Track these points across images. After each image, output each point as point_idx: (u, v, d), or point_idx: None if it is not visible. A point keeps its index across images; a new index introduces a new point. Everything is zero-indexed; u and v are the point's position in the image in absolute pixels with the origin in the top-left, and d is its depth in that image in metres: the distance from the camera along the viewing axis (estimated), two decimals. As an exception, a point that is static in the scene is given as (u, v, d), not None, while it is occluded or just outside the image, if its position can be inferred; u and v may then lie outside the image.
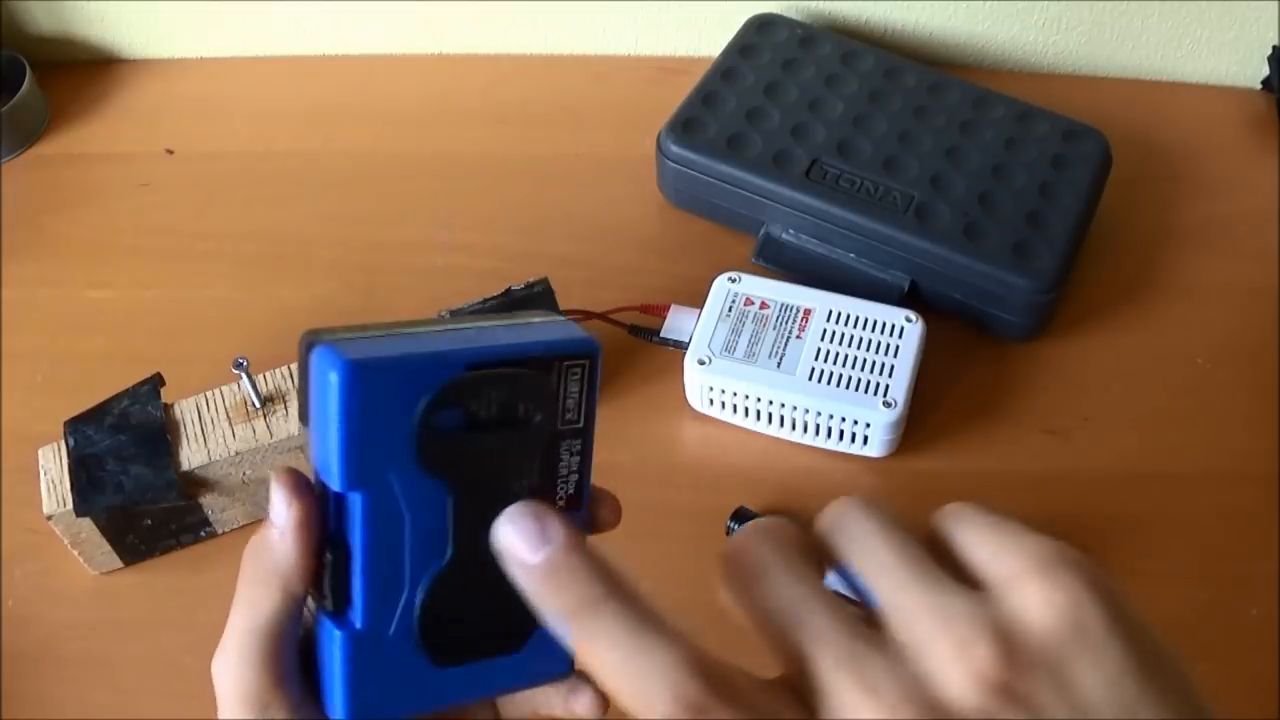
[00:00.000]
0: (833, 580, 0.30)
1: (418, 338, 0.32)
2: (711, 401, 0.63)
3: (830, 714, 0.26)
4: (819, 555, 0.29)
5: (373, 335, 0.32)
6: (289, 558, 0.32)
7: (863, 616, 0.28)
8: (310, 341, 0.31)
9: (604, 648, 0.27)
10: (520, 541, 0.29)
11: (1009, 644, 0.26)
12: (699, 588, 0.58)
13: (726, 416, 0.63)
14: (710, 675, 0.26)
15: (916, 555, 0.28)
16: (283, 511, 0.32)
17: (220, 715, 0.34)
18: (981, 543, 0.28)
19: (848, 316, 0.63)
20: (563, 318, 0.36)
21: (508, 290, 0.61)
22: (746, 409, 0.62)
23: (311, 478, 0.33)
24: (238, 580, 0.34)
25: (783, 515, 0.58)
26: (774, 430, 0.62)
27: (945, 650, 0.26)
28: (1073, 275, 0.66)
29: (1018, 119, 0.71)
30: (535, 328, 0.35)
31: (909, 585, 0.27)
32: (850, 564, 0.28)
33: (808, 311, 0.63)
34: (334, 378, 0.30)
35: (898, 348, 0.61)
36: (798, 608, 0.27)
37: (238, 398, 0.58)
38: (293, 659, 0.34)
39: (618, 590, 0.28)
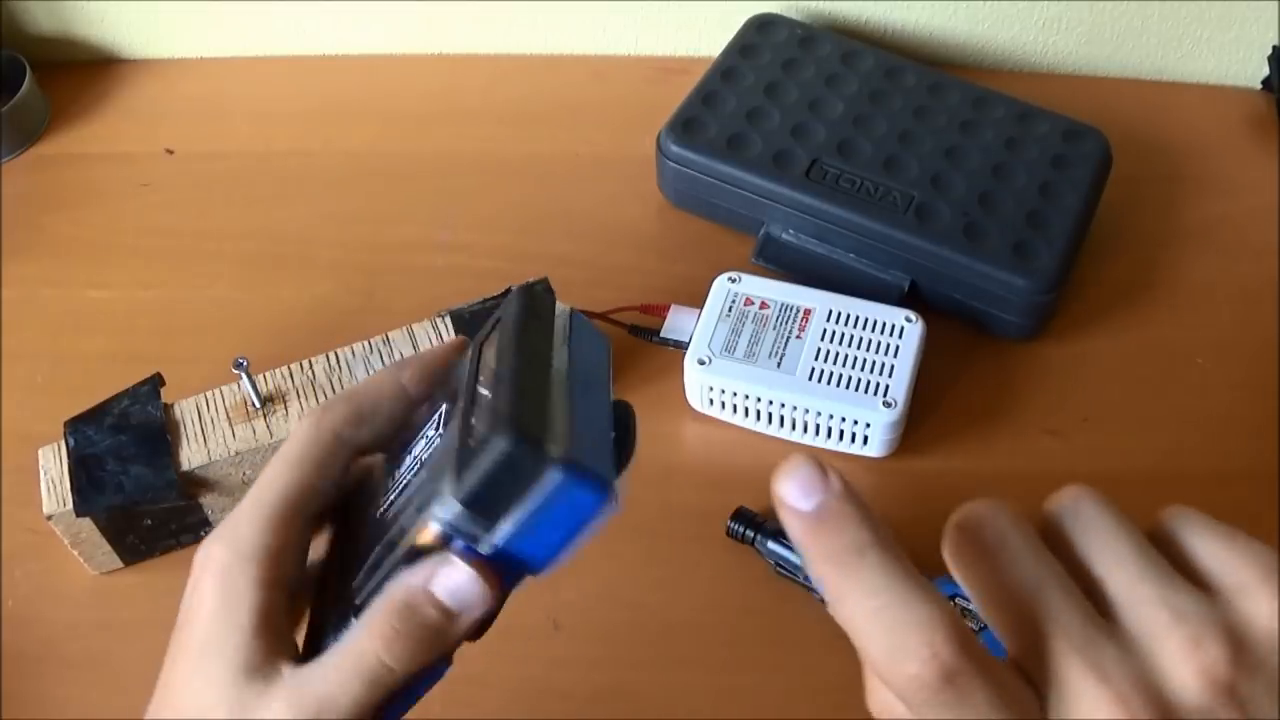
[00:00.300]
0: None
1: (577, 408, 0.33)
2: (711, 401, 0.63)
3: (1060, 697, 0.27)
4: (1047, 538, 0.30)
5: (555, 418, 0.32)
6: (459, 637, 0.34)
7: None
8: (529, 446, 0.30)
9: (863, 594, 0.27)
10: (796, 489, 0.29)
11: (1238, 647, 0.26)
12: (698, 587, 0.58)
13: (726, 416, 0.63)
14: (967, 641, 0.26)
15: (1151, 551, 0.29)
16: (476, 601, 0.33)
17: None
18: (1212, 548, 0.29)
19: (848, 316, 0.63)
20: (565, 309, 0.36)
21: (508, 290, 0.61)
22: (746, 409, 0.62)
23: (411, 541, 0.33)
24: (374, 631, 0.33)
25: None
26: (774, 430, 0.62)
27: (1177, 645, 0.26)
28: (1073, 275, 0.66)
29: (1018, 119, 0.71)
30: (588, 344, 0.36)
31: (1145, 579, 0.28)
32: (1085, 551, 0.29)
33: (808, 311, 0.63)
34: (592, 507, 0.31)
35: (898, 348, 0.61)
36: (1037, 586, 0.28)
37: (238, 398, 0.58)
38: None
39: (884, 540, 0.28)
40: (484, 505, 0.31)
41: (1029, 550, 0.29)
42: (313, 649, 0.36)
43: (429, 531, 0.32)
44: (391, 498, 0.35)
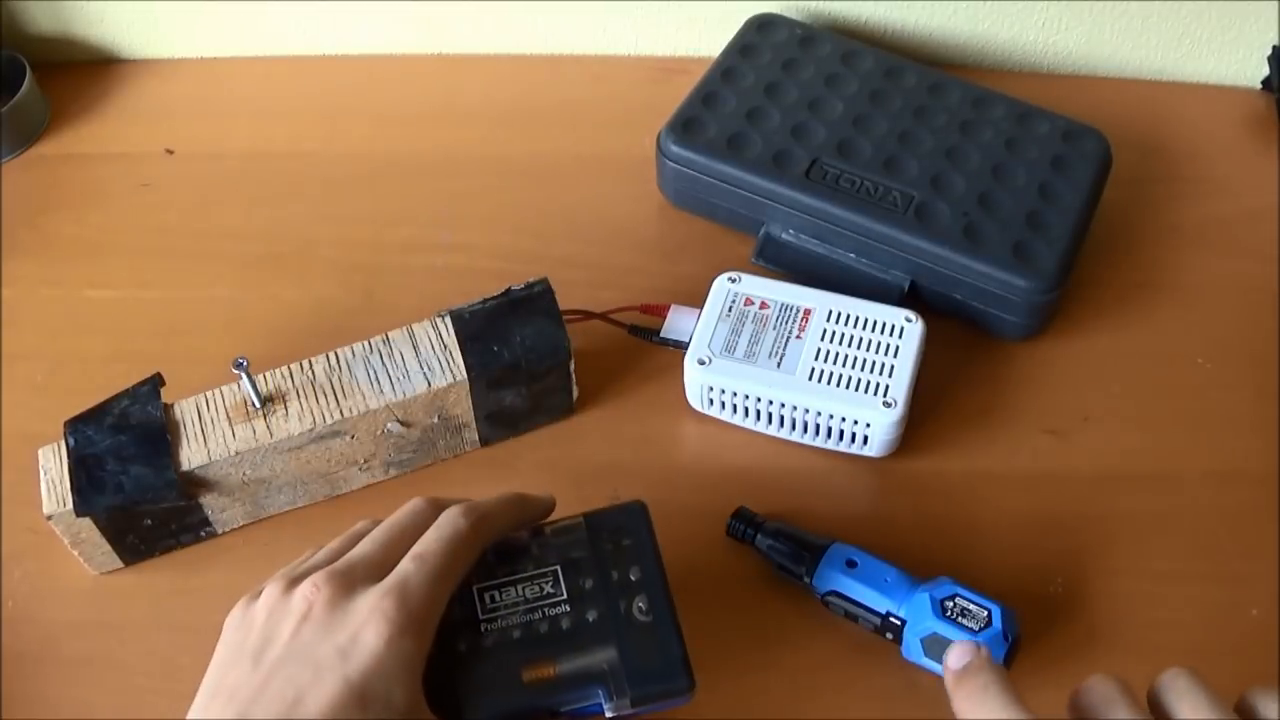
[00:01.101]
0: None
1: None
2: (711, 401, 0.63)
3: None
4: (1151, 704, 0.40)
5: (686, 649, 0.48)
6: None
7: None
8: (689, 685, 0.47)
9: (981, 714, 0.40)
10: (955, 657, 0.42)
11: None
12: (699, 587, 0.58)
13: (726, 416, 0.63)
14: None
15: (1226, 709, 0.38)
16: None
17: None
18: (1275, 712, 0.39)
19: (848, 316, 0.63)
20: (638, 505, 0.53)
21: (508, 290, 0.61)
22: (746, 409, 0.62)
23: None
24: None
25: (782, 519, 0.58)
26: (774, 430, 0.62)
27: None
28: (1073, 275, 0.66)
29: (1018, 119, 0.71)
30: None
31: None
32: (1174, 711, 0.39)
33: (808, 311, 0.63)
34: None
35: (898, 348, 0.61)
36: None
37: (238, 398, 0.58)
38: None
39: (1003, 682, 0.40)
40: (639, 705, 0.47)
41: (1129, 703, 0.39)
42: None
43: (590, 698, 0.47)
44: (499, 622, 0.48)
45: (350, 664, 0.40)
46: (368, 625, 0.41)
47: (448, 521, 0.45)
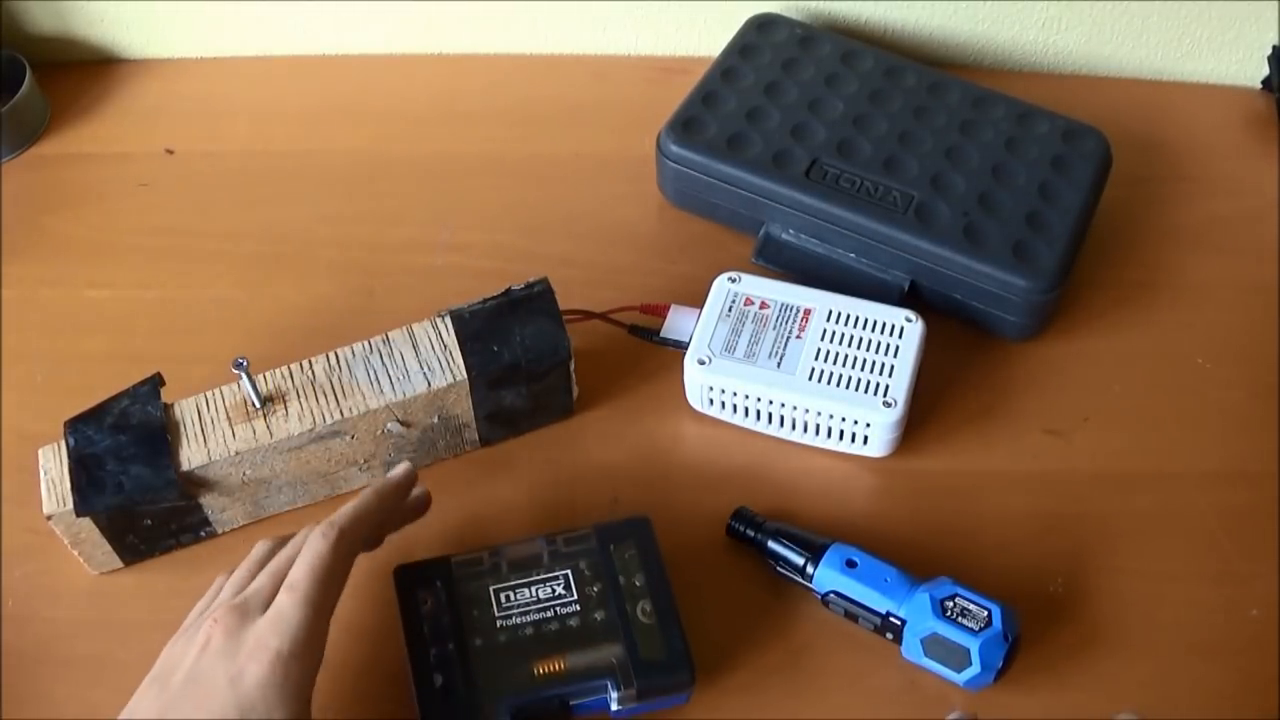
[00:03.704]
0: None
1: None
2: (711, 401, 0.63)
3: None
4: None
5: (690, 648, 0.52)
6: None
7: None
8: (691, 682, 0.51)
9: None
10: None
11: None
12: (698, 587, 0.58)
13: (726, 416, 0.63)
14: None
15: None
16: None
17: None
18: None
19: (848, 316, 0.63)
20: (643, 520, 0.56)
21: (508, 290, 0.61)
22: (746, 409, 0.62)
23: None
24: None
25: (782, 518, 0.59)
26: (774, 430, 0.62)
27: None
28: (1073, 275, 0.66)
29: (1018, 119, 0.71)
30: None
31: None
32: None
33: (808, 311, 0.63)
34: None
35: (898, 348, 0.61)
36: None
37: (238, 398, 0.58)
38: None
39: None
40: (644, 697, 0.51)
41: None
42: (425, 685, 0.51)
43: (597, 690, 0.51)
44: (514, 620, 0.52)
45: (238, 689, 0.45)
46: (253, 656, 0.46)
47: (308, 547, 0.50)
